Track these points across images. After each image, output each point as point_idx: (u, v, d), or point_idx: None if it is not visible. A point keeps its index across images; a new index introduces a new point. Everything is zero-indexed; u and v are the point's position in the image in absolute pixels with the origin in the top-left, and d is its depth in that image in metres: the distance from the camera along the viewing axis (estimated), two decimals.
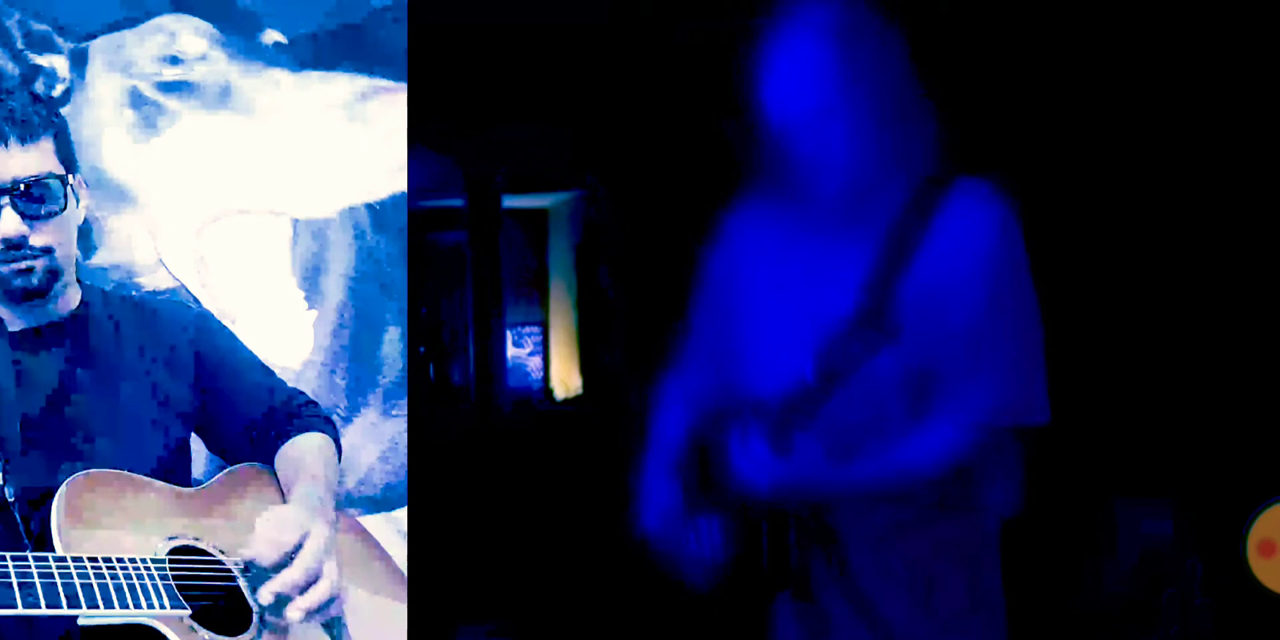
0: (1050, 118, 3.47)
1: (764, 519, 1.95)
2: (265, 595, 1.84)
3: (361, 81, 2.88)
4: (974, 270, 1.90)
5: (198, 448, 2.13)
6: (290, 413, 2.14)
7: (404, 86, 2.88)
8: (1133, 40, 3.45)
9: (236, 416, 2.11)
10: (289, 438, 2.11)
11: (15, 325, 1.94)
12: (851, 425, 1.93)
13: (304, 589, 1.85)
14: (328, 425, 2.18)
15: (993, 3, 3.39)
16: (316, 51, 2.89)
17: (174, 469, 2.00)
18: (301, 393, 2.22)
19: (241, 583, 1.88)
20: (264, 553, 1.85)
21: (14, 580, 1.64)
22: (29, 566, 1.67)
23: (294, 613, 1.84)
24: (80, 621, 1.70)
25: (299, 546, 1.86)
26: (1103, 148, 3.49)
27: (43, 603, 1.65)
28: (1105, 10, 3.42)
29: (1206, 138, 3.42)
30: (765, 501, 1.95)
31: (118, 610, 1.70)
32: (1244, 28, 3.33)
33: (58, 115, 1.93)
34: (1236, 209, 3.43)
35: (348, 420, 2.89)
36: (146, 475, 1.92)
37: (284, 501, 2.02)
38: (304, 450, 2.10)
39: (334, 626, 1.95)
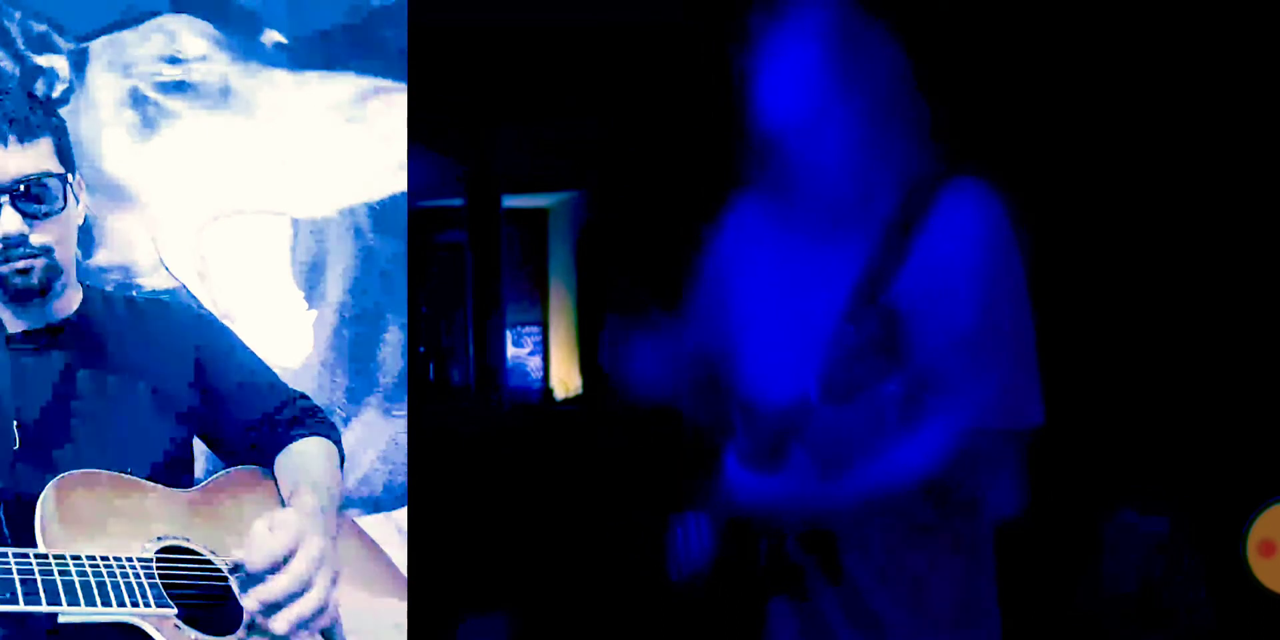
0: (1047, 116, 3.47)
1: (762, 534, 1.95)
2: (250, 601, 1.81)
3: (361, 81, 2.88)
4: (967, 270, 1.89)
5: (199, 449, 2.12)
6: (293, 416, 2.13)
7: (404, 86, 2.88)
8: (1127, 38, 3.45)
9: (237, 418, 2.10)
10: (291, 441, 2.10)
11: (14, 326, 1.94)
12: (849, 437, 1.91)
13: (292, 597, 1.82)
14: (331, 430, 2.17)
15: (987, 2, 3.39)
16: (316, 51, 2.89)
17: (174, 470, 1.99)
18: (305, 396, 2.20)
19: (233, 583, 1.87)
20: (253, 558, 1.83)
21: None
22: (9, 562, 1.65)
23: (279, 623, 1.82)
24: (60, 619, 1.67)
25: (291, 554, 1.84)
26: (1105, 144, 3.49)
27: (21, 599, 1.63)
28: (1100, 8, 3.42)
29: (1211, 134, 3.42)
30: (759, 514, 1.94)
31: (100, 608, 1.68)
32: (1238, 25, 3.33)
33: (56, 115, 1.93)
34: (1234, 209, 3.42)
35: (348, 420, 2.89)
36: (146, 476, 1.91)
37: (282, 507, 2.00)
38: (306, 457, 2.08)
39: (330, 632, 1.93)
